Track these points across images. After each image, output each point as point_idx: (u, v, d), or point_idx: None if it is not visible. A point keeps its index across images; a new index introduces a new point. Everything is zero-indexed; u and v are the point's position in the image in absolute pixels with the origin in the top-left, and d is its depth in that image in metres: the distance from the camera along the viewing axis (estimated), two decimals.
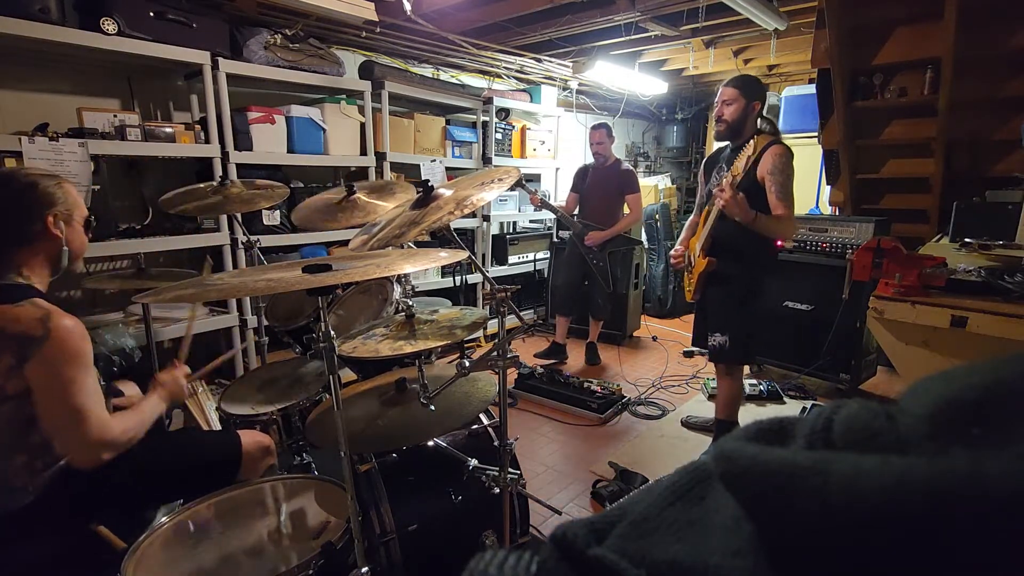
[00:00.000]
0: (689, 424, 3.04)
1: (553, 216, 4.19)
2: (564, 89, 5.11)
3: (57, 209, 1.34)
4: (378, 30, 3.37)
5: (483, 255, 4.41)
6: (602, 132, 3.75)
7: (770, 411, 3.24)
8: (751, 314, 2.40)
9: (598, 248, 3.76)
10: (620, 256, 4.05)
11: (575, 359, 4.08)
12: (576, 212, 3.92)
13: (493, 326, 1.70)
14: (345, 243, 3.09)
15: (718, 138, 2.43)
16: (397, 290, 2.02)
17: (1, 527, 1.26)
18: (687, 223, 2.64)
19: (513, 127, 4.53)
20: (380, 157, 3.57)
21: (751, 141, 2.15)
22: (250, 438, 1.61)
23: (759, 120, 2.33)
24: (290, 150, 3.11)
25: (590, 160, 3.93)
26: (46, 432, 1.27)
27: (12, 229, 1.31)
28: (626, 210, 3.87)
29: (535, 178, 5.08)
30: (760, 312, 2.47)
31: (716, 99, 2.37)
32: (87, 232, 1.44)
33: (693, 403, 3.37)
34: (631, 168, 3.87)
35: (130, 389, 1.87)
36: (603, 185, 3.81)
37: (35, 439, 1.28)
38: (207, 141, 2.75)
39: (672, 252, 2.57)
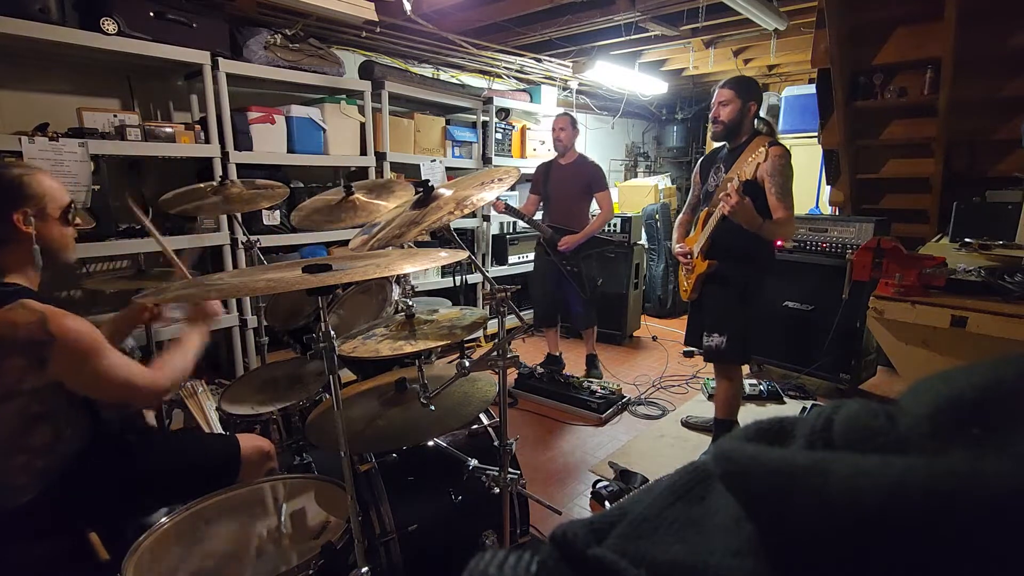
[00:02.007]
0: (689, 424, 3.04)
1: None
2: (564, 89, 5.11)
3: (27, 205, 1.26)
4: (378, 30, 3.37)
5: (483, 255, 4.41)
6: (565, 120, 3.46)
7: (770, 411, 3.24)
8: (748, 314, 2.40)
9: (572, 253, 3.47)
10: (595, 259, 3.73)
11: (575, 364, 3.98)
12: (541, 215, 3.64)
13: (493, 326, 1.70)
14: (345, 243, 3.09)
15: (715, 139, 2.42)
16: (397, 290, 2.02)
17: (3, 524, 1.26)
18: (678, 222, 2.64)
19: (513, 127, 4.53)
20: (380, 157, 3.57)
21: (762, 147, 2.14)
22: (249, 442, 1.61)
23: (756, 120, 2.33)
24: (290, 150, 3.11)
25: (553, 157, 3.62)
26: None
27: None
28: (595, 208, 3.57)
29: None
30: (758, 313, 2.46)
31: (712, 100, 2.36)
32: (68, 223, 1.36)
33: (693, 403, 3.37)
34: (597, 164, 3.55)
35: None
36: (568, 184, 3.49)
37: (35, 441, 1.27)
38: (207, 141, 2.75)
39: (676, 251, 2.55)
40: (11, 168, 1.29)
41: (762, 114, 2.39)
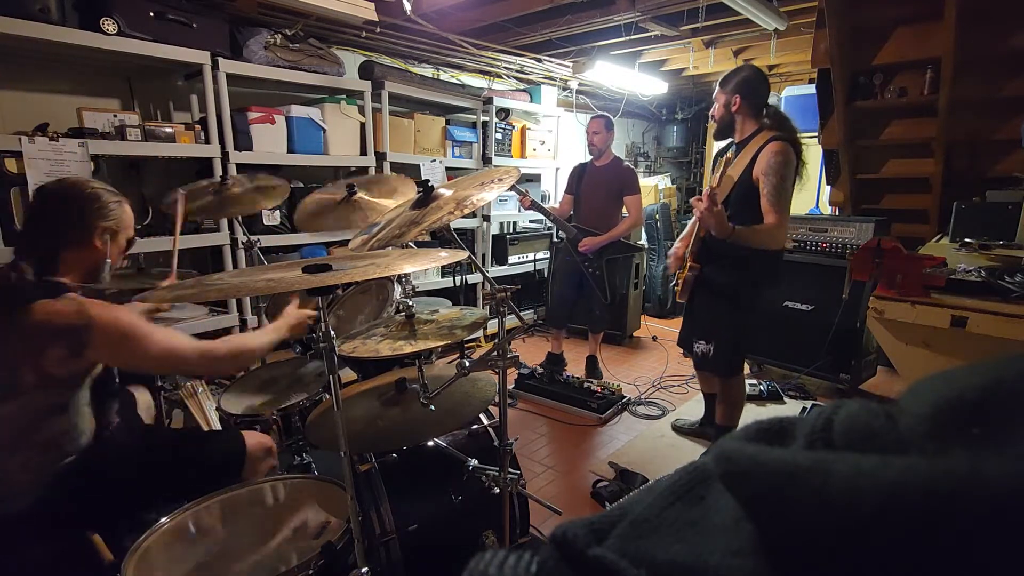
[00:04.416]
0: (678, 428, 3.00)
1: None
2: (564, 89, 5.11)
3: (108, 223, 1.43)
4: (378, 30, 3.37)
5: (483, 255, 4.41)
6: (599, 122, 3.47)
7: (770, 411, 3.24)
8: (739, 325, 2.28)
9: (594, 255, 3.46)
10: (619, 264, 3.70)
11: (575, 365, 3.95)
12: (571, 215, 3.61)
13: (493, 326, 1.70)
14: (345, 243, 3.09)
15: (714, 137, 2.37)
16: (397, 290, 2.02)
17: (3, 527, 1.27)
18: (691, 221, 2.59)
19: (513, 127, 4.53)
20: (380, 157, 3.57)
21: (724, 161, 2.07)
22: (253, 439, 1.62)
23: (763, 111, 2.17)
24: (290, 150, 3.11)
25: (589, 159, 3.65)
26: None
27: (64, 231, 1.40)
28: (625, 213, 3.55)
29: (535, 178, 5.08)
30: (750, 323, 2.34)
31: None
32: (125, 252, 1.54)
33: (693, 403, 3.37)
34: (631, 167, 3.57)
35: (142, 395, 1.88)
36: (600, 185, 3.48)
37: (40, 437, 1.30)
38: (207, 141, 2.75)
39: (671, 251, 2.49)
40: (108, 192, 1.46)
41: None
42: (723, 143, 2.41)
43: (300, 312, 1.70)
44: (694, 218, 2.49)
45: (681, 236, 2.55)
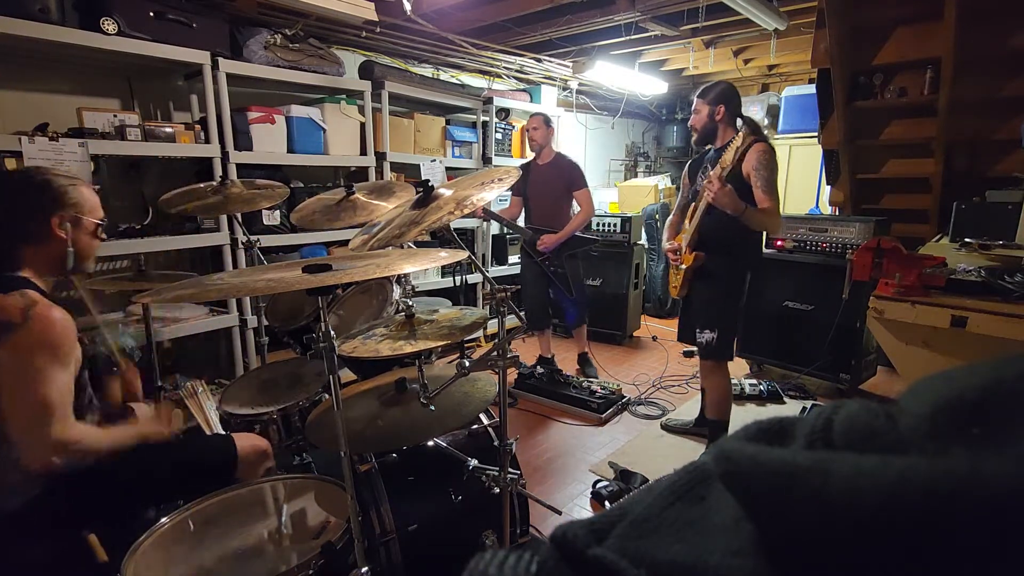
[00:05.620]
0: (667, 427, 3.01)
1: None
2: (564, 89, 5.11)
3: (65, 211, 1.34)
4: (378, 30, 3.37)
5: (483, 255, 4.41)
6: (538, 119, 3.43)
7: (770, 411, 3.24)
8: (736, 309, 2.43)
9: (553, 253, 3.43)
10: (580, 258, 3.65)
11: (570, 364, 3.98)
12: (523, 217, 3.60)
13: (493, 326, 1.70)
14: (345, 243, 3.09)
15: (694, 144, 2.51)
16: (397, 290, 2.02)
17: (1, 526, 1.27)
18: (667, 223, 2.65)
19: (513, 127, 4.53)
20: (380, 157, 3.57)
21: (735, 138, 2.18)
22: (246, 441, 1.61)
23: (737, 120, 2.35)
24: (290, 150, 3.11)
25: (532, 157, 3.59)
26: (5, 422, 1.21)
27: (17, 225, 1.32)
28: (576, 208, 3.52)
29: None
30: (744, 308, 2.49)
31: None
32: (97, 236, 1.44)
33: (693, 403, 3.36)
34: (575, 162, 3.49)
35: (141, 410, 1.87)
36: (545, 184, 3.45)
37: None
38: (207, 141, 2.75)
39: (666, 248, 2.56)
40: (59, 177, 1.36)
41: (757, 116, 2.40)
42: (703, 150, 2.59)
43: (154, 429, 1.49)
44: (671, 215, 2.65)
45: (665, 238, 2.62)
